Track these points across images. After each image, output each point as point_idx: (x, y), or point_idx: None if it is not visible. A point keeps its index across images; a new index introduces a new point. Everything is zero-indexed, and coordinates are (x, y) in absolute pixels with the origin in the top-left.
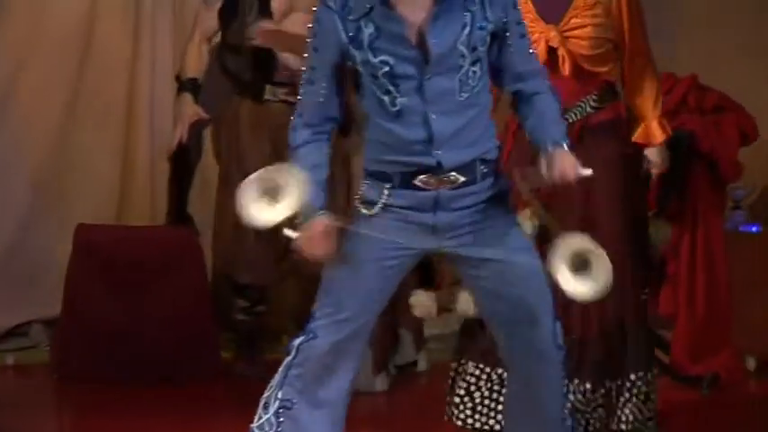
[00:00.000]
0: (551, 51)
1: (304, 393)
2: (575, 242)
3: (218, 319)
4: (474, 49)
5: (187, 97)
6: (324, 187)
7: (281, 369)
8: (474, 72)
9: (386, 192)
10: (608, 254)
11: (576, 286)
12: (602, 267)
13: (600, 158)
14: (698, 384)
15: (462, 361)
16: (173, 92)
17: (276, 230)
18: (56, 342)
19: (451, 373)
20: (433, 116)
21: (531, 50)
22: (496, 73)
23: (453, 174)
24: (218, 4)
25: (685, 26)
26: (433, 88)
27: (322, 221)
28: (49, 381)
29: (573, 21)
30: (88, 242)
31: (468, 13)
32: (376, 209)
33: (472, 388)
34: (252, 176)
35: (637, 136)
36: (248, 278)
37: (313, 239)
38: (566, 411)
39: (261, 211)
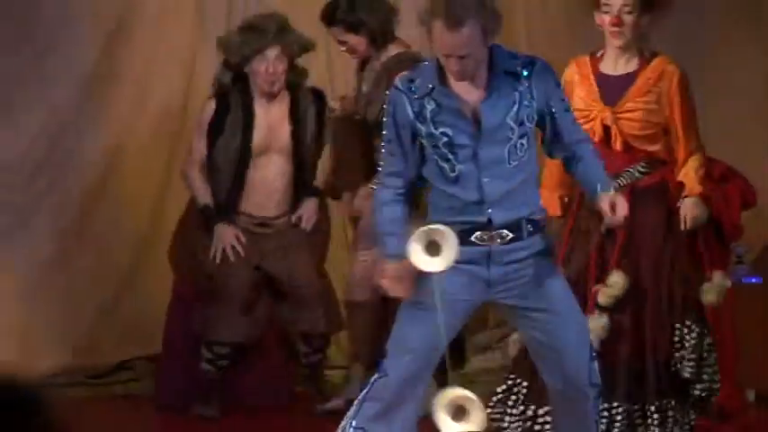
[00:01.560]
0: (606, 128)
1: (377, 421)
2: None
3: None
4: (521, 123)
5: (220, 225)
6: (402, 237)
7: (357, 401)
8: (522, 144)
9: None
10: (653, 293)
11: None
12: (477, 413)
13: (648, 216)
14: (706, 413)
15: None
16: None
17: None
18: (157, 376)
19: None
20: (485, 180)
21: (575, 122)
22: (548, 144)
23: (503, 230)
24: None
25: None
26: (486, 156)
27: (401, 264)
28: (152, 410)
29: (627, 105)
30: (183, 292)
31: (516, 93)
32: None
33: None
34: (416, 233)
35: (683, 194)
36: (221, 335)
37: (394, 279)
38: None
39: (424, 262)
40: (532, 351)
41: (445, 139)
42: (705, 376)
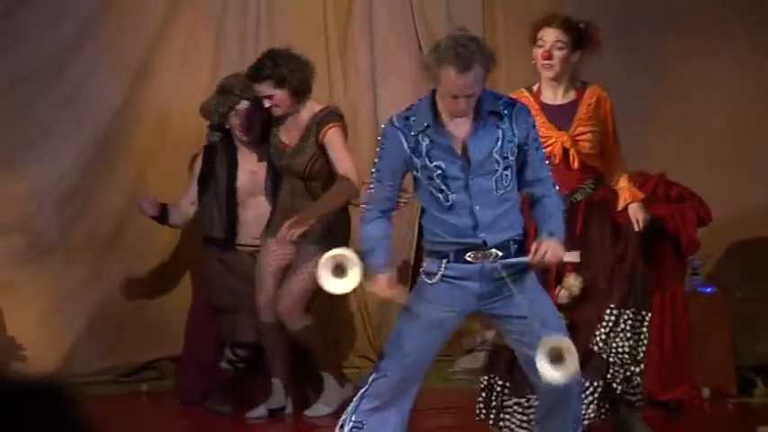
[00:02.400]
0: (564, 151)
1: (373, 416)
2: (553, 341)
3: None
4: (505, 157)
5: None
6: (385, 251)
7: (356, 397)
8: (506, 175)
9: (443, 265)
10: (603, 289)
11: (553, 373)
12: (572, 360)
13: (599, 226)
14: (666, 408)
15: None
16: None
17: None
18: (178, 374)
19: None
20: (477, 207)
21: (544, 160)
22: (517, 177)
23: (493, 250)
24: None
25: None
26: (476, 187)
27: (387, 274)
28: (173, 404)
29: (579, 128)
30: (203, 300)
31: (499, 130)
32: (436, 278)
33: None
34: (324, 258)
35: (623, 201)
36: (247, 337)
37: (381, 286)
38: (576, 425)
39: (333, 284)
40: (519, 354)
41: (439, 171)
42: (626, 362)
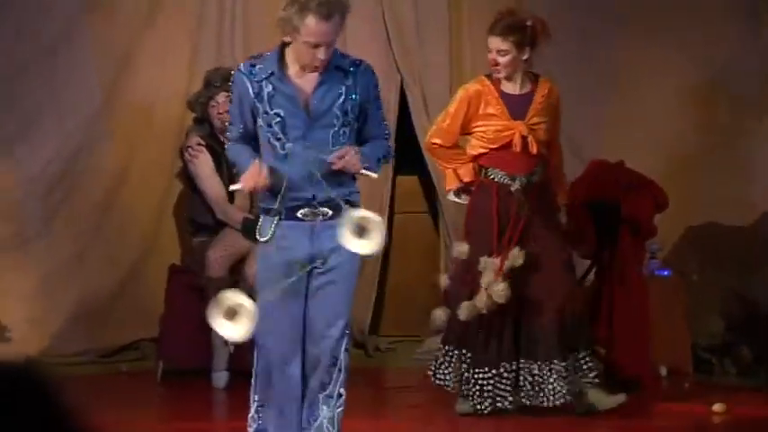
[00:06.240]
0: (523, 138)
1: (269, 391)
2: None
3: None
4: (345, 113)
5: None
6: (250, 156)
7: (253, 377)
8: (344, 132)
9: (275, 224)
10: (554, 263)
11: (357, 244)
12: (377, 231)
13: (548, 202)
14: (626, 385)
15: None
16: None
17: None
18: (157, 353)
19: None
20: (311, 160)
21: (382, 121)
22: (358, 133)
23: (324, 208)
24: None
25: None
26: (313, 138)
27: (257, 164)
28: (154, 384)
29: (534, 118)
30: (177, 284)
31: (343, 86)
32: (270, 238)
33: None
34: (216, 303)
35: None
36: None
37: (252, 173)
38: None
39: (225, 328)
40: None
41: (278, 119)
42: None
